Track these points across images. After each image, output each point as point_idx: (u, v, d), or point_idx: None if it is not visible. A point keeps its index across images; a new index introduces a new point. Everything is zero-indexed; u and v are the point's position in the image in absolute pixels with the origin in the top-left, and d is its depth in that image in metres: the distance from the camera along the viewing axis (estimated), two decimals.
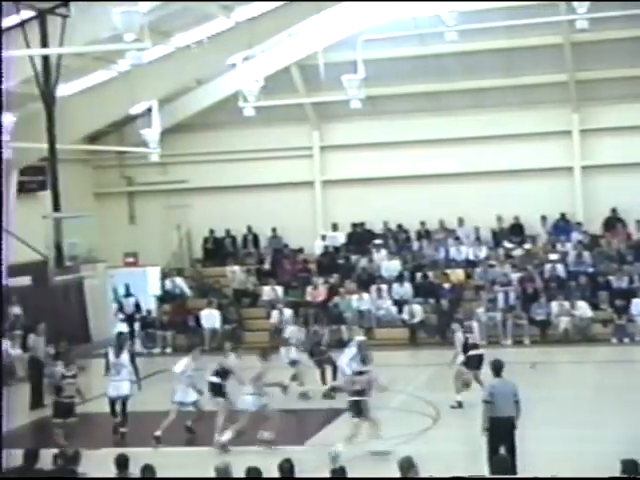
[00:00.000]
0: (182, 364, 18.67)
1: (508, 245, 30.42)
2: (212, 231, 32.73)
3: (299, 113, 31.62)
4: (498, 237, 30.97)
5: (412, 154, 31.36)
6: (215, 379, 18.18)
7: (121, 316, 30.76)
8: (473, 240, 30.87)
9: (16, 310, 27.23)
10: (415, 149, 31.34)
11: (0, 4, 12.91)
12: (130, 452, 12.25)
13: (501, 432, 13.53)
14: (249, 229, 32.69)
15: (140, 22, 16.17)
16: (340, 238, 31.94)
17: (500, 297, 28.28)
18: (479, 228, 30.94)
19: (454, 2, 24.47)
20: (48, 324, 28.09)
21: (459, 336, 20.37)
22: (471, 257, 30.44)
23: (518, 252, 30.04)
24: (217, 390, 18.05)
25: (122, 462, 11.83)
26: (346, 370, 19.58)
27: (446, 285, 29.10)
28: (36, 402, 21.90)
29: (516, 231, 30.84)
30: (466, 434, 16.55)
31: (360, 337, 21.52)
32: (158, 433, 17.80)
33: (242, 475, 11.23)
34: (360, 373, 17.48)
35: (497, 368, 14.28)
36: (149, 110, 27.13)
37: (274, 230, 32.45)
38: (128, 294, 31.02)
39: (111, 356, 19.37)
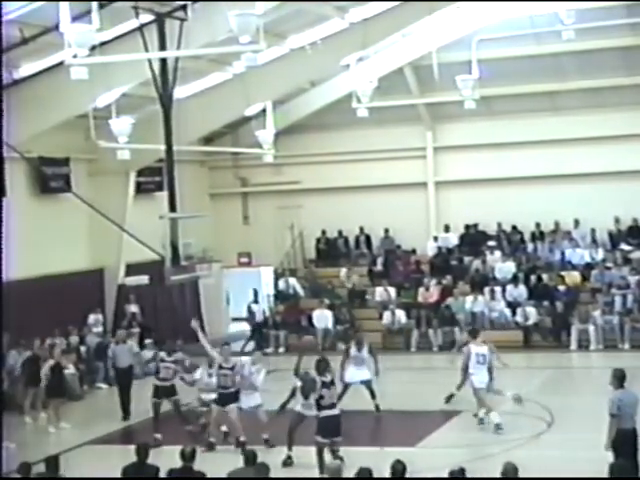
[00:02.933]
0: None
1: (626, 247, 29.78)
2: (324, 232, 32.86)
3: (412, 114, 31.51)
4: (615, 239, 30.34)
5: (527, 155, 30.95)
6: None
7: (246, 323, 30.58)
8: (589, 242, 30.34)
9: (133, 308, 27.81)
10: (530, 150, 30.91)
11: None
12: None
13: (628, 445, 13.12)
14: (361, 230, 32.71)
15: (255, 24, 16.32)
16: (453, 239, 31.73)
17: (617, 300, 27.70)
18: (595, 230, 30.38)
19: (572, 1, 24.15)
20: (164, 323, 28.72)
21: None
22: (587, 259, 29.91)
23: (636, 254, 29.38)
24: None
25: (251, 457, 12.02)
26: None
27: (561, 287, 28.65)
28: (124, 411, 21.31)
29: (634, 233, 30.15)
30: (581, 439, 16.25)
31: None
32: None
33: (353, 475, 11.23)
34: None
35: (620, 378, 13.76)
36: (263, 111, 27.39)
37: (386, 231, 32.40)
38: (256, 300, 30.89)
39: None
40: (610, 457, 12.71)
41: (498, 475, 11.20)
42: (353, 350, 20.21)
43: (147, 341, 26.47)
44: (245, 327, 31.24)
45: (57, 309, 24.38)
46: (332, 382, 15.67)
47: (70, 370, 22.81)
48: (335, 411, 15.47)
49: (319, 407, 15.50)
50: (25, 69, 22.41)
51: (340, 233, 32.87)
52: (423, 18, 26.18)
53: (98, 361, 25.15)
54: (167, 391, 18.74)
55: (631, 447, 13.13)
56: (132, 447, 12.40)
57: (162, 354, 19.07)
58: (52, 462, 12.26)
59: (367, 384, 20.09)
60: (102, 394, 24.30)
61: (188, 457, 11.95)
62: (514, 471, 10.98)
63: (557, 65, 29.79)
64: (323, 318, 29.20)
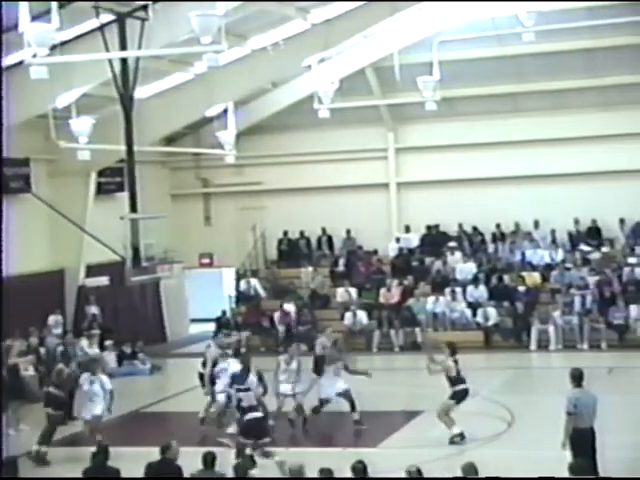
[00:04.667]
0: None
1: (585, 248, 30.00)
2: (286, 233, 32.84)
3: (374, 115, 31.58)
4: (575, 240, 30.56)
5: (488, 156, 31.11)
6: None
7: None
8: (549, 243, 30.54)
9: (93, 310, 27.63)
10: (491, 151, 31.08)
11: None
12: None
13: (585, 444, 13.22)
14: (323, 231, 32.72)
15: (217, 25, 16.29)
16: (414, 240, 31.82)
17: (577, 301, 27.88)
18: (555, 231, 30.59)
19: (532, 2, 24.29)
20: (125, 324, 28.58)
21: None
22: (547, 260, 30.09)
23: (595, 255, 29.62)
24: None
25: (209, 460, 12.06)
26: None
27: (521, 288, 28.81)
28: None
29: (593, 234, 30.41)
30: (541, 439, 16.35)
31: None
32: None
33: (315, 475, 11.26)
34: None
35: (577, 377, 13.86)
36: (225, 112, 27.33)
37: (348, 232, 32.45)
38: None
39: None
40: (569, 456, 12.83)
41: (458, 475, 11.28)
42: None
43: (107, 342, 26.35)
44: (207, 328, 31.12)
45: (17, 310, 24.12)
46: (248, 388, 16.02)
47: (30, 372, 22.63)
48: (256, 414, 15.69)
49: (242, 410, 15.87)
50: None
51: (302, 234, 32.85)
52: (385, 19, 26.26)
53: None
54: None
55: (588, 446, 13.24)
56: (92, 449, 12.33)
57: None
58: (11, 465, 12.18)
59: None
60: None
61: (165, 450, 12.09)
62: (473, 471, 11.08)
63: (518, 67, 29.96)
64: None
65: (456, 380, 17.56)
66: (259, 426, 15.63)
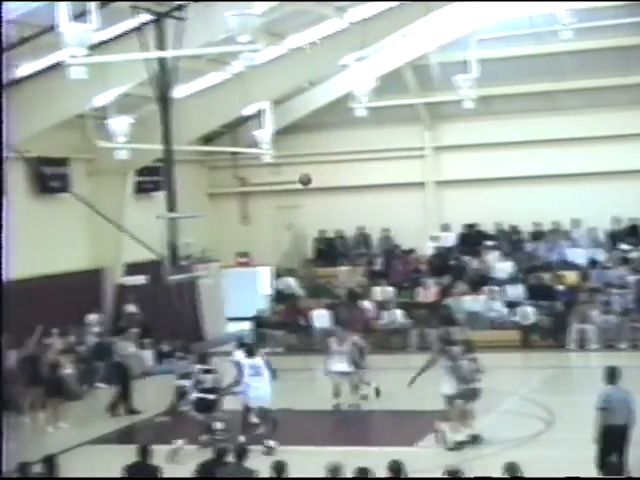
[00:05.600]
0: None
1: (625, 247, 29.79)
2: (323, 231, 32.85)
3: (411, 113, 31.52)
4: (614, 239, 30.34)
5: (526, 154, 30.96)
6: None
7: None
8: (588, 242, 30.34)
9: (132, 308, 27.77)
10: (529, 149, 30.93)
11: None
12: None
13: (616, 440, 13.18)
14: (360, 230, 32.71)
15: (254, 24, 16.33)
16: (451, 239, 31.73)
17: (616, 300, 27.70)
18: (594, 229, 30.39)
19: (570, 1, 24.19)
20: (163, 323, 28.72)
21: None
22: (586, 259, 29.89)
23: (635, 254, 29.39)
24: None
25: (241, 454, 12.11)
26: None
27: (560, 287, 28.65)
28: (115, 407, 21.56)
29: (633, 233, 30.18)
30: (580, 439, 16.20)
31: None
32: None
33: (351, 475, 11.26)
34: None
35: (612, 375, 13.83)
36: (262, 111, 27.37)
37: (385, 231, 32.41)
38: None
39: None
40: (595, 451, 12.73)
41: (497, 475, 11.23)
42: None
43: (146, 340, 26.52)
44: (244, 327, 31.20)
45: (56, 309, 24.39)
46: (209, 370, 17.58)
47: (68, 370, 22.81)
48: (208, 395, 17.28)
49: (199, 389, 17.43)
50: (23, 69, 22.38)
51: (339, 233, 32.86)
52: (422, 18, 26.21)
53: (97, 361, 25.15)
54: None
55: (620, 443, 13.19)
56: (131, 447, 12.41)
57: None
58: (49, 462, 12.26)
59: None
60: (101, 394, 24.28)
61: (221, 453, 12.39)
62: (516, 470, 11.02)
63: (556, 65, 29.79)
64: (321, 318, 29.19)
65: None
66: (209, 405, 17.12)
